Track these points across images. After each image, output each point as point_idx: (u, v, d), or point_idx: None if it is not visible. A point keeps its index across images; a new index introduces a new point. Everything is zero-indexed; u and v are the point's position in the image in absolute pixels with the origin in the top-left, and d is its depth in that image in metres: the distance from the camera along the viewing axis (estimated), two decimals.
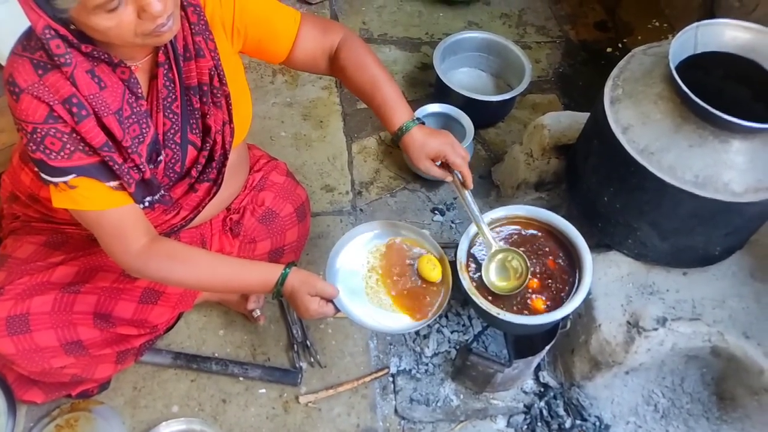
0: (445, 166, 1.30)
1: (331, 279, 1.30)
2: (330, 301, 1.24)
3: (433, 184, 2.02)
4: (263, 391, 1.58)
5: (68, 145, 1.03)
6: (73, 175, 1.05)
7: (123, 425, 1.51)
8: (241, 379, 1.59)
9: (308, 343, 1.64)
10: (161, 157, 1.17)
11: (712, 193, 1.23)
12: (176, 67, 1.14)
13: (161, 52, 1.11)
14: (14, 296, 1.30)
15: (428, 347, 1.61)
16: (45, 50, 0.99)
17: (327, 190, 2.01)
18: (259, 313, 1.65)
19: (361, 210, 1.97)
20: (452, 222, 1.93)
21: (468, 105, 2.02)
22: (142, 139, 1.12)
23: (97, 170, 1.08)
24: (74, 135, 1.04)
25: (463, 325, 1.63)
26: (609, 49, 2.50)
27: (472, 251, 1.35)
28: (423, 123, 1.29)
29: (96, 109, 1.03)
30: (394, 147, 2.12)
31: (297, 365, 1.62)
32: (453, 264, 1.31)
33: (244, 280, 1.25)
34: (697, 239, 1.38)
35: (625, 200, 1.39)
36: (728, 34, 1.33)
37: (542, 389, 1.58)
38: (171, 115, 1.17)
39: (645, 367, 1.49)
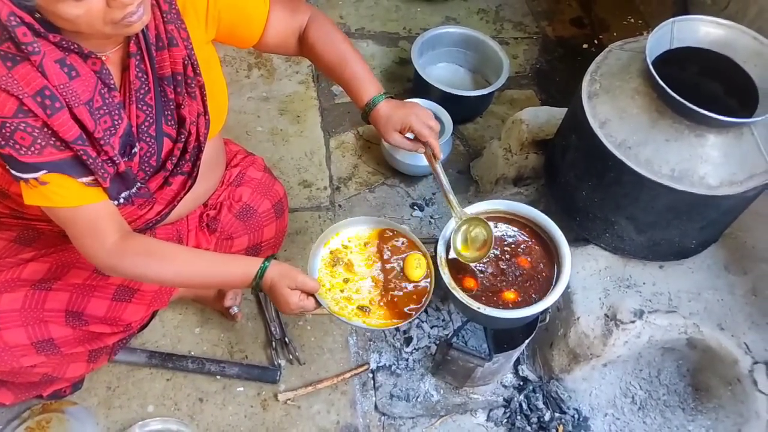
0: (417, 139, 1.30)
1: (312, 274, 1.28)
2: (311, 295, 1.22)
3: (411, 179, 2.01)
4: (241, 389, 1.56)
5: (39, 140, 0.99)
6: (44, 171, 1.02)
7: (97, 426, 1.48)
8: (218, 377, 1.57)
9: (287, 340, 1.63)
10: (135, 150, 1.14)
11: (688, 186, 1.25)
12: (149, 58, 1.11)
13: (132, 42, 1.08)
14: None
15: (408, 343, 1.61)
16: (12, 40, 0.95)
17: (305, 186, 2.00)
18: (236, 310, 1.63)
19: (339, 206, 1.96)
20: (431, 217, 1.92)
21: (446, 100, 2.02)
22: (114, 131, 1.08)
23: (69, 166, 1.04)
24: (45, 129, 1.00)
25: (443, 320, 1.63)
26: (585, 46, 2.52)
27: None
28: (392, 97, 1.30)
29: (67, 100, 1.00)
30: (372, 142, 2.11)
31: (275, 363, 1.60)
32: (433, 259, 1.31)
33: (222, 275, 1.22)
34: (674, 233, 1.40)
35: (602, 194, 1.40)
36: (703, 30, 1.35)
37: (522, 383, 1.59)
38: (144, 107, 1.14)
39: (622, 360, 1.50)
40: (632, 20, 2.62)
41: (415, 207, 1.95)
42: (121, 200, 1.16)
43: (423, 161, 1.89)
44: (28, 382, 1.40)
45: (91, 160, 1.05)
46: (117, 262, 1.13)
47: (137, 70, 1.11)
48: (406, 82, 2.31)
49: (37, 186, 1.03)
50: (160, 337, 1.62)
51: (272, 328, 1.64)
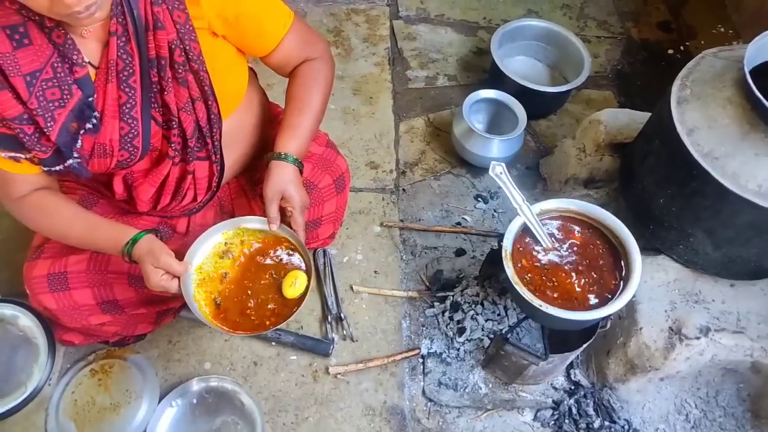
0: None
1: (192, 256, 1.22)
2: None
3: (478, 170, 1.99)
4: (294, 357, 1.60)
5: None
6: None
7: (156, 377, 1.54)
8: (273, 344, 1.61)
9: (342, 315, 1.65)
10: (90, 126, 1.11)
11: None
12: (136, 40, 1.09)
13: (115, 21, 1.06)
14: (52, 254, 1.33)
15: (461, 333, 1.61)
16: None
17: (371, 167, 2.01)
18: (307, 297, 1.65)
19: (403, 190, 1.96)
20: (495, 211, 1.91)
21: (522, 94, 1.98)
22: (62, 104, 1.07)
23: None
24: None
25: (499, 315, 1.62)
26: (670, 51, 2.43)
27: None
28: (301, 170, 1.28)
29: (3, 68, 0.99)
30: (441, 130, 2.11)
31: (329, 336, 1.63)
32: (496, 252, 1.29)
33: (95, 239, 1.21)
34: (752, 251, 1.34)
35: (681, 204, 1.36)
36: None
37: (573, 387, 1.57)
38: (127, 89, 1.12)
39: (681, 376, 1.46)
40: (722, 29, 2.51)
41: (480, 199, 1.93)
42: (58, 168, 1.14)
43: (493, 153, 1.89)
44: None
45: (26, 138, 1.06)
46: (16, 211, 1.21)
47: (120, 51, 1.09)
48: (481, 73, 2.29)
49: None
50: None
51: (329, 303, 1.67)
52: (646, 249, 1.50)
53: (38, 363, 1.52)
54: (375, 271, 1.76)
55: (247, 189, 1.52)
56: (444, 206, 1.92)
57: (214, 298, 1.21)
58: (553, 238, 1.36)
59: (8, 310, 1.56)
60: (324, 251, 1.78)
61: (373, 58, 2.31)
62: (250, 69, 1.40)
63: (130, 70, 1.10)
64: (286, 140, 1.26)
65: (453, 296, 1.64)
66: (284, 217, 1.26)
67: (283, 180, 1.23)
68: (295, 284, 1.21)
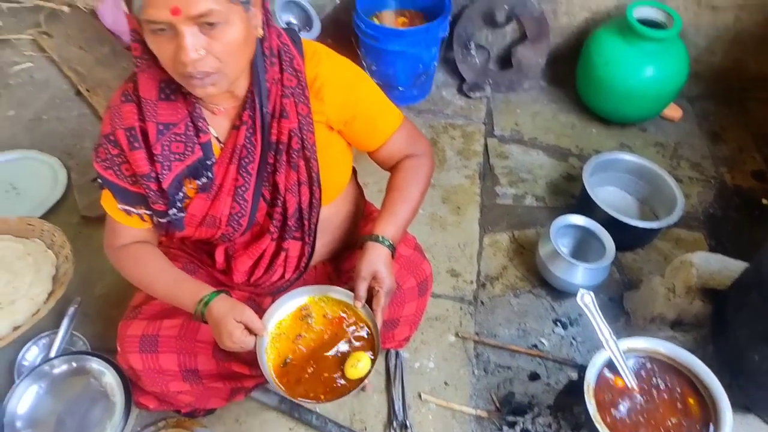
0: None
1: (272, 312, 1.26)
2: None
3: (560, 294, 1.99)
4: None
5: (108, 161, 1.20)
6: (101, 182, 1.24)
7: None
8: None
9: (407, 423, 1.63)
10: (199, 182, 1.22)
11: None
12: (261, 131, 1.20)
13: (247, 112, 1.19)
14: (148, 316, 1.40)
15: None
16: (134, 81, 1.13)
17: (452, 275, 2.04)
18: (367, 381, 1.66)
19: (482, 302, 1.97)
20: (573, 338, 1.88)
21: (611, 224, 2.00)
22: (182, 158, 1.18)
23: (117, 191, 1.23)
24: (118, 158, 1.19)
25: None
26: (765, 201, 2.40)
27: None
28: (394, 256, 1.30)
29: (144, 113, 1.13)
30: (525, 248, 2.13)
31: None
32: (575, 384, 1.26)
33: (177, 292, 1.27)
34: None
35: None
36: None
37: None
38: (245, 174, 1.23)
39: None
40: None
41: (559, 323, 1.91)
42: (160, 222, 1.26)
43: (577, 279, 1.89)
44: None
45: (152, 193, 1.19)
46: (114, 258, 1.33)
47: (246, 140, 1.20)
48: (569, 198, 2.32)
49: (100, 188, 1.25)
50: None
51: (395, 408, 1.66)
52: (734, 405, 1.43)
53: (112, 421, 1.56)
54: (445, 382, 1.75)
55: (333, 277, 1.58)
56: (521, 325, 1.90)
57: (285, 357, 1.23)
58: (637, 379, 1.33)
59: (96, 364, 1.63)
60: (397, 353, 1.78)
61: (464, 170, 2.40)
62: (352, 166, 1.50)
63: (251, 158, 1.22)
64: (384, 225, 1.31)
65: (524, 423, 1.59)
66: (368, 297, 1.29)
67: (377, 260, 1.27)
68: (357, 365, 1.21)
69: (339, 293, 1.30)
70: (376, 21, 2.59)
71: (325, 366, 1.23)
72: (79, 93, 2.68)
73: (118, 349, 1.42)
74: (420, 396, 1.70)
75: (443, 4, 2.53)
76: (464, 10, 2.69)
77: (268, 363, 1.21)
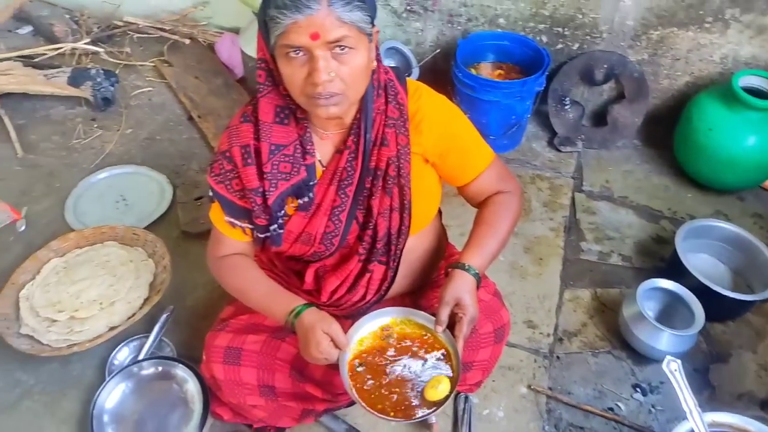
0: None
1: (356, 329, 1.32)
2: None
3: (641, 358, 1.91)
4: None
5: (221, 176, 1.30)
6: (212, 194, 1.34)
7: None
8: None
9: None
10: (302, 202, 1.30)
11: None
12: (362, 157, 1.28)
13: (351, 138, 1.28)
14: (235, 330, 1.48)
15: None
16: (253, 105, 1.25)
17: (529, 326, 2.02)
18: (434, 420, 1.66)
19: (557, 357, 1.93)
20: (653, 406, 1.80)
21: (701, 293, 1.92)
22: (287, 178, 1.27)
23: (226, 204, 1.32)
24: (232, 174, 1.28)
25: None
26: None
27: None
28: (479, 283, 1.32)
29: (260, 134, 1.22)
30: (607, 307, 2.08)
31: None
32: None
33: (270, 302, 1.35)
34: None
35: None
36: None
37: None
38: (342, 195, 1.31)
39: None
40: None
41: (638, 389, 1.84)
42: (260, 237, 1.34)
43: (661, 345, 1.82)
44: None
45: (256, 207, 1.27)
46: (214, 267, 1.42)
47: (348, 164, 1.29)
48: (658, 261, 2.26)
49: (211, 201, 1.36)
50: (360, 415, 1.72)
51: None
52: None
53: (188, 428, 1.63)
54: None
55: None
56: (598, 386, 1.85)
57: (358, 362, 1.28)
58: None
59: (180, 371, 1.72)
60: (466, 397, 1.77)
61: (549, 222, 2.39)
62: (438, 207, 1.54)
63: (350, 181, 1.31)
64: (471, 255, 1.34)
65: None
66: (449, 323, 1.31)
67: (461, 288, 1.29)
68: (437, 388, 1.23)
69: (421, 317, 1.34)
70: (473, 72, 2.66)
71: (399, 385, 1.26)
72: (191, 118, 2.89)
73: (204, 357, 1.50)
74: None
75: (541, 59, 2.57)
76: (562, 67, 2.72)
77: (351, 378, 1.26)
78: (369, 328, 1.34)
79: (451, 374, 1.26)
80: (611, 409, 1.79)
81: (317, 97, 1.13)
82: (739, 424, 1.30)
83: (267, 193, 1.26)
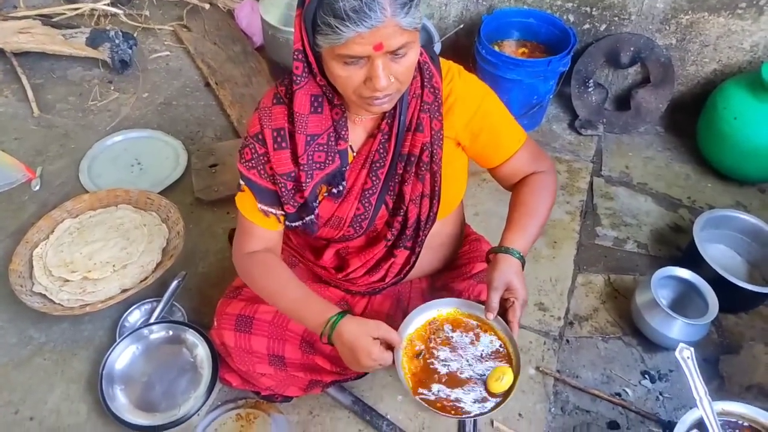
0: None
1: (405, 327, 1.26)
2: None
3: (652, 346, 1.90)
4: None
5: (254, 161, 1.25)
6: (244, 183, 1.28)
7: None
8: None
9: None
10: (336, 190, 1.27)
11: None
12: (395, 140, 1.25)
13: (385, 122, 1.24)
14: (247, 298, 1.48)
15: None
16: (288, 86, 1.19)
17: (540, 309, 2.00)
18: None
19: (567, 341, 1.92)
20: (660, 393, 1.79)
21: (717, 283, 1.89)
22: (322, 167, 1.23)
23: (259, 191, 1.27)
24: (264, 157, 1.23)
25: None
26: None
27: None
28: (523, 266, 1.28)
29: (296, 125, 1.18)
30: (620, 293, 2.06)
31: None
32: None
33: (301, 308, 1.27)
34: None
35: None
36: None
37: None
38: (374, 178, 1.28)
39: None
40: None
41: (647, 376, 1.83)
42: (293, 225, 1.31)
43: (673, 333, 1.80)
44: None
45: (285, 192, 1.23)
46: (241, 264, 1.36)
47: (380, 147, 1.26)
48: (674, 249, 2.23)
49: (239, 191, 1.31)
50: (367, 389, 1.72)
51: (467, 429, 1.64)
52: None
53: (197, 393, 1.65)
54: (520, 414, 1.72)
55: (426, 293, 1.59)
56: (606, 371, 1.84)
57: (419, 350, 1.25)
58: None
59: (190, 335, 1.73)
60: None
61: (566, 206, 2.36)
62: None
63: (382, 163, 1.28)
64: (514, 237, 1.31)
65: None
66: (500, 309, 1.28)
67: (509, 271, 1.25)
68: (501, 380, 1.20)
69: (468, 306, 1.31)
70: (497, 49, 2.61)
71: (454, 381, 1.23)
72: (207, 85, 2.88)
73: (215, 324, 1.50)
74: (492, 423, 1.68)
75: (567, 39, 2.52)
76: (588, 48, 2.67)
77: (406, 377, 1.21)
78: (417, 324, 1.29)
79: (506, 364, 1.24)
80: (618, 394, 1.78)
81: (374, 99, 1.11)
82: (749, 414, 1.28)
83: (303, 184, 1.23)
